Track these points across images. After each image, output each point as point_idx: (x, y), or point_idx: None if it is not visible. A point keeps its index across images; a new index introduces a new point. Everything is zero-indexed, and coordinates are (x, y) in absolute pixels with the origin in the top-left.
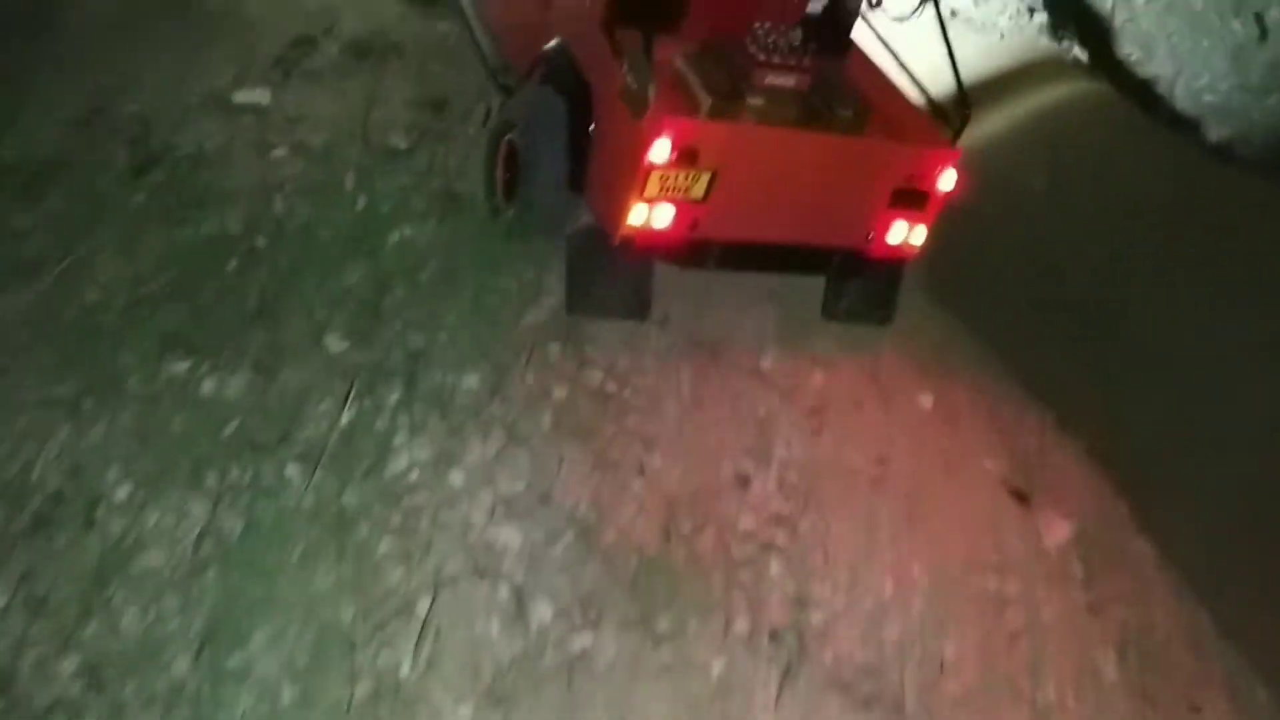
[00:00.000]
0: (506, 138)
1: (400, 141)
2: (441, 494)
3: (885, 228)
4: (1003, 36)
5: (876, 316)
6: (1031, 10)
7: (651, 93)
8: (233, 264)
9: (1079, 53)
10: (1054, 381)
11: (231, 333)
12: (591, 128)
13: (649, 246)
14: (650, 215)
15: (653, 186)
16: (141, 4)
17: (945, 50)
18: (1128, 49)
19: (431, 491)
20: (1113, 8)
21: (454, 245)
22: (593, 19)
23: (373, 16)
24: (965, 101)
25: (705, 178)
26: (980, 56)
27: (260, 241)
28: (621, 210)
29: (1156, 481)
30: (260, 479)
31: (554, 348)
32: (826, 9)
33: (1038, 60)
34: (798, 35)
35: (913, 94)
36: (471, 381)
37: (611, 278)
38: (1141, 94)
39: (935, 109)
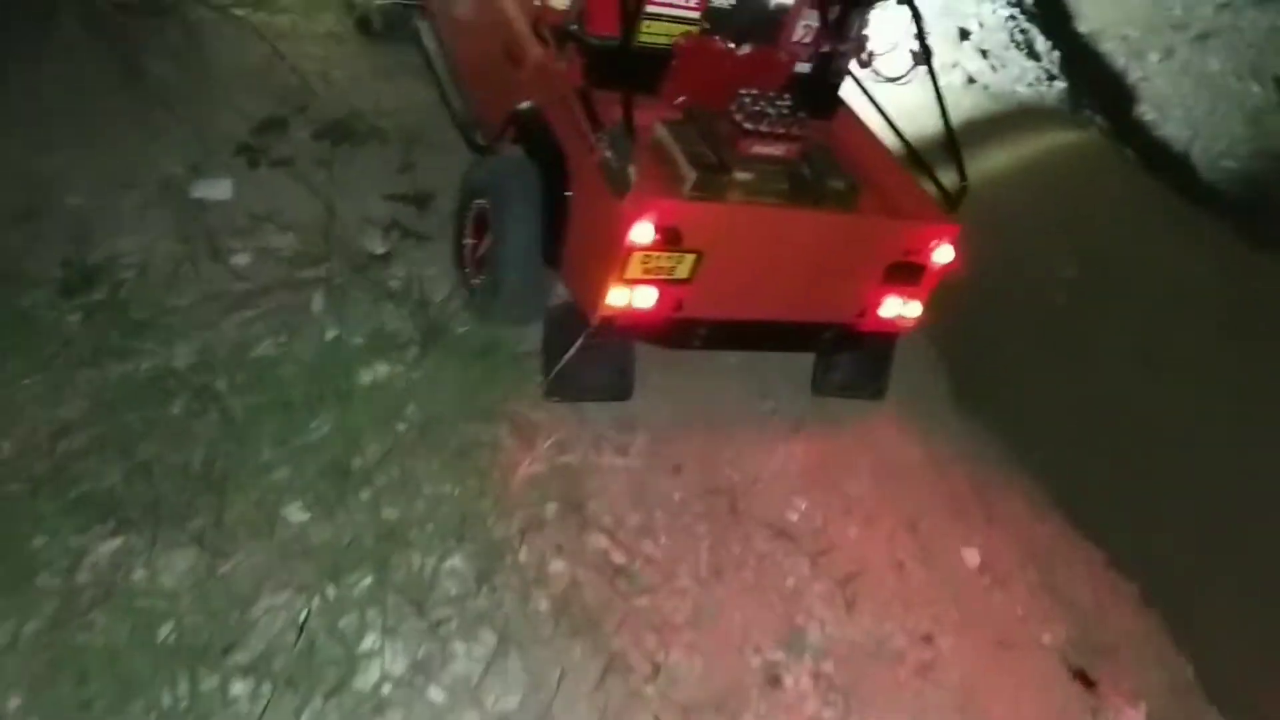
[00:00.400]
0: (476, 202)
1: (377, 244)
2: (419, 716)
3: (878, 302)
4: (1022, 105)
5: (868, 391)
6: (1051, 77)
7: (633, 171)
8: (177, 409)
9: (1100, 121)
10: (1097, 509)
11: (172, 501)
12: (567, 197)
13: (630, 328)
14: (631, 297)
15: (634, 268)
16: (91, 78)
17: (942, 117)
18: (1142, 109)
19: (407, 711)
20: (1125, 66)
21: (436, 385)
22: (567, 82)
23: (351, 93)
24: (962, 172)
25: (690, 259)
26: (1002, 126)
27: (211, 381)
28: (600, 292)
29: (1216, 635)
30: (199, 701)
31: (551, 509)
32: (815, 68)
33: (1061, 132)
34: (786, 103)
35: (907, 143)
36: (455, 564)
37: (591, 357)
38: (1160, 159)
39: (931, 178)
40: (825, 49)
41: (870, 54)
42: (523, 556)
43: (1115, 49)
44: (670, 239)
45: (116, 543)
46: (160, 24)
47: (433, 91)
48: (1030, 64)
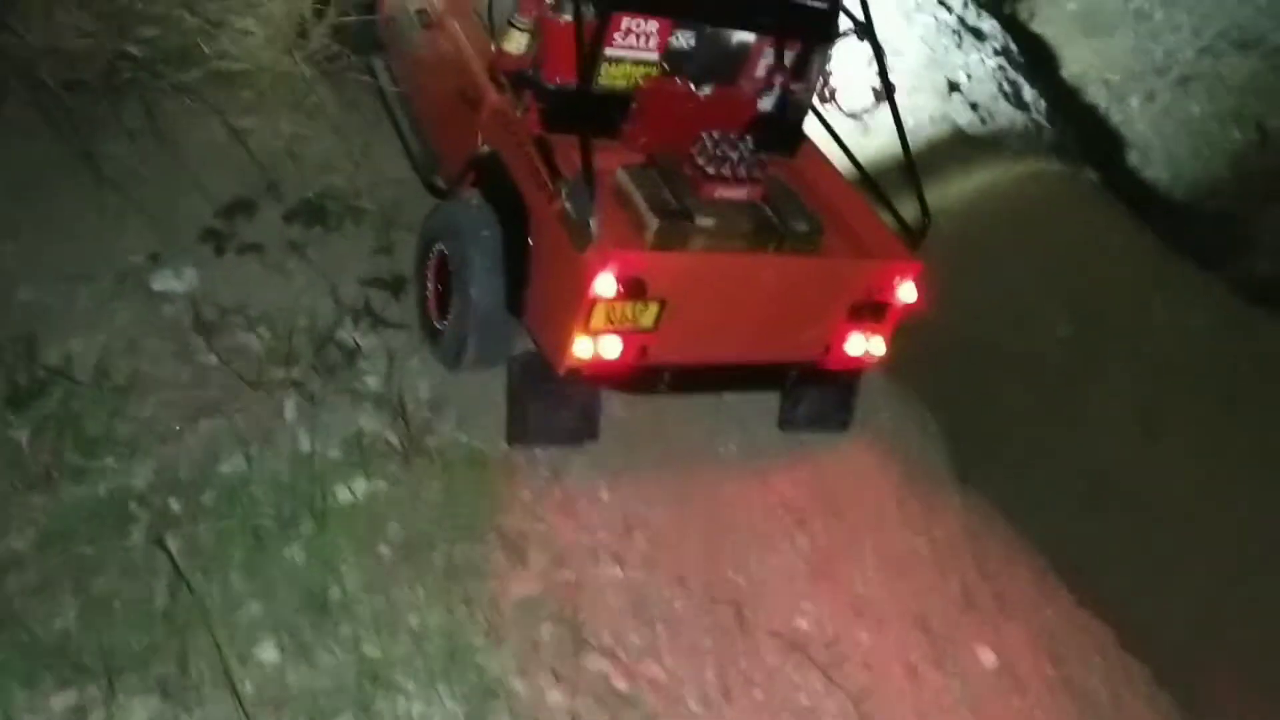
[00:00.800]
0: (437, 247)
1: (352, 335)
2: None
3: (843, 340)
4: (1012, 156)
5: (834, 424)
6: (1040, 127)
7: (595, 224)
8: (136, 537)
9: (1090, 172)
10: (1105, 584)
11: (131, 644)
12: (529, 245)
13: (596, 377)
14: (597, 347)
15: (598, 319)
16: (42, 161)
17: (904, 153)
18: (1126, 153)
19: None
20: (1108, 110)
21: (419, 500)
22: (525, 130)
23: (323, 171)
24: (925, 210)
25: (654, 308)
26: (993, 179)
27: (174, 504)
28: (565, 343)
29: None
30: None
31: (547, 631)
32: (777, 106)
33: (1052, 184)
34: (747, 144)
35: (870, 181)
36: (445, 706)
37: (556, 404)
38: (1146, 204)
39: (893, 215)
40: (788, 88)
41: (832, 90)
42: (518, 689)
43: (1097, 93)
44: (633, 290)
45: (70, 696)
46: (116, 102)
47: (406, 166)
48: (1019, 114)
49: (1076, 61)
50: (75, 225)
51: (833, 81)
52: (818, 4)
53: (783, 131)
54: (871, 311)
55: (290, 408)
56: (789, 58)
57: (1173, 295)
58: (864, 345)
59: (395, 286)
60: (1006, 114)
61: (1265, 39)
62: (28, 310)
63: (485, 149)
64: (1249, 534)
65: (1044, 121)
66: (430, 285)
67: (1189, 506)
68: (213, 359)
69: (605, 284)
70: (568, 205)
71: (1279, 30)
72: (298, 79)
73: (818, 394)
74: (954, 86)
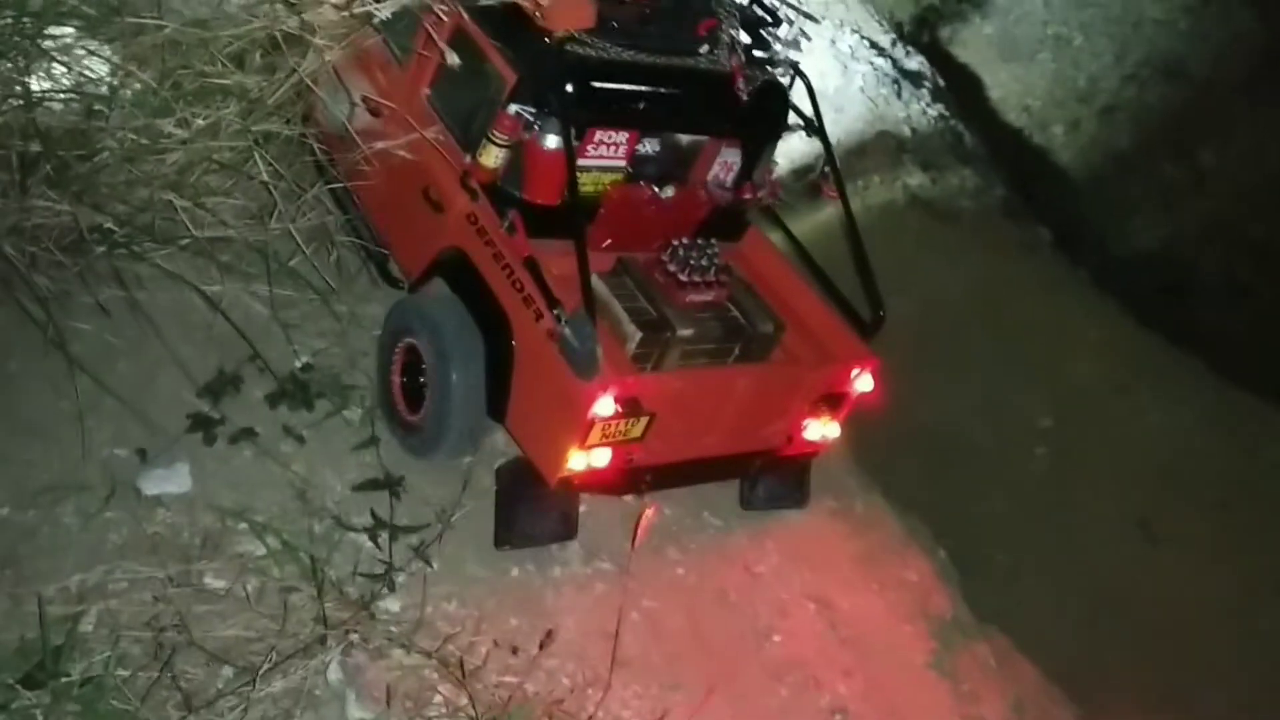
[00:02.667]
0: (405, 340)
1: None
2: None
3: (802, 428)
4: (968, 222)
5: (793, 501)
6: (989, 185)
7: (600, 356)
8: None
9: (1044, 231)
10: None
11: None
12: (512, 353)
13: (585, 484)
14: (589, 459)
15: (594, 437)
16: (6, 339)
17: (854, 249)
18: (1049, 187)
19: None
20: (1029, 136)
21: None
22: (514, 251)
23: (307, 334)
24: (879, 303)
25: (644, 420)
26: (950, 249)
27: None
28: (559, 457)
29: None
30: None
31: None
32: (728, 200)
33: (1011, 254)
34: (714, 249)
35: (826, 279)
36: None
37: (541, 509)
38: (1074, 243)
39: (846, 312)
40: (745, 194)
41: (779, 184)
42: None
43: (1018, 120)
44: (630, 410)
45: None
46: (86, 274)
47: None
48: (966, 170)
49: (997, 88)
50: (47, 419)
51: (775, 173)
52: (772, 106)
53: (731, 221)
54: (829, 402)
55: (335, 668)
56: (739, 155)
57: (1150, 382)
58: (821, 431)
59: (391, 485)
60: (954, 171)
61: (1186, 67)
62: (6, 534)
63: (452, 251)
64: (1265, 655)
65: (990, 173)
66: (396, 379)
67: (1195, 621)
68: (221, 581)
69: (605, 406)
70: (567, 333)
71: (1202, 59)
72: (279, 241)
73: (776, 476)
74: (902, 146)
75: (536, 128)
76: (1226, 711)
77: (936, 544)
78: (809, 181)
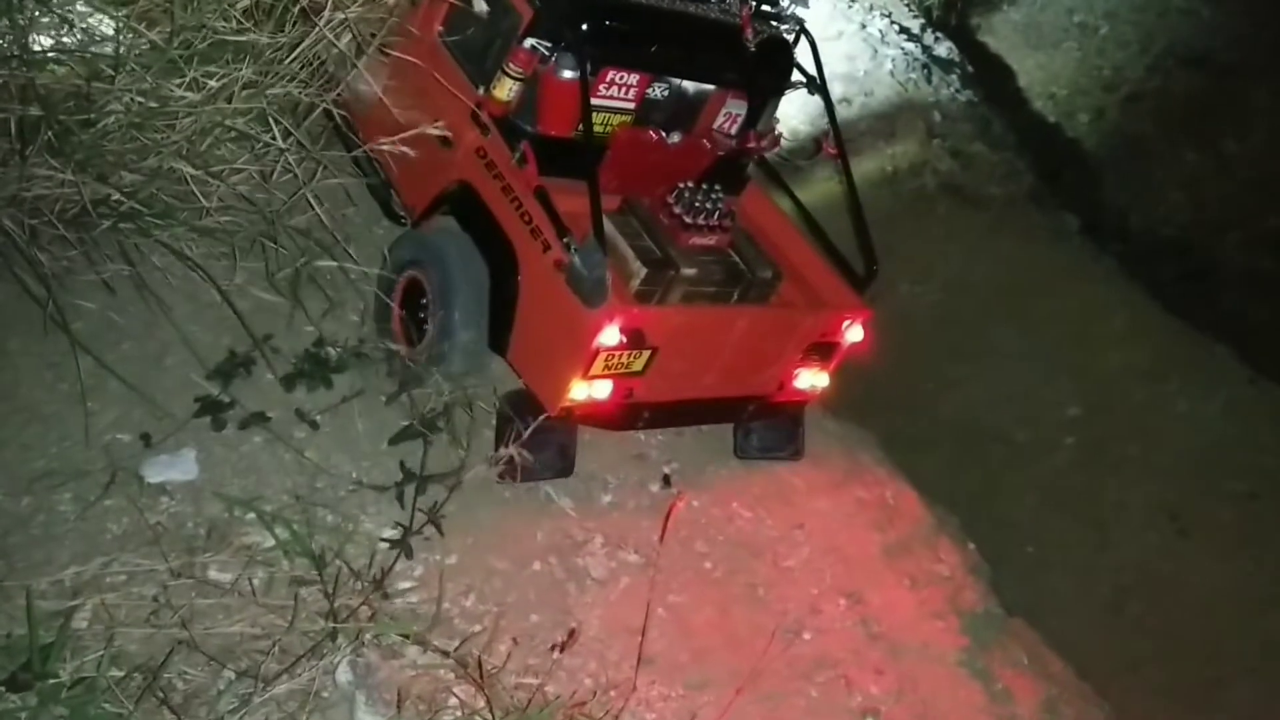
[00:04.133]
0: (409, 272)
1: (382, 528)
2: None
3: (794, 376)
4: (997, 210)
5: (788, 453)
6: (1018, 171)
7: (609, 284)
8: None
9: (1071, 219)
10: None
11: None
12: (517, 285)
13: (585, 416)
14: (590, 390)
15: (597, 367)
16: (6, 317)
17: (852, 204)
18: (1075, 173)
19: None
20: (1055, 123)
21: None
22: (524, 182)
23: (323, 312)
24: (873, 257)
25: (646, 354)
26: (979, 238)
27: None
28: (562, 387)
29: None
30: None
31: None
32: (732, 151)
33: (1039, 241)
34: (719, 195)
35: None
36: None
37: (541, 443)
38: (1096, 229)
39: (841, 265)
40: (748, 144)
41: (779, 136)
42: None
43: (1044, 108)
44: (634, 341)
45: None
46: (91, 251)
47: None
48: (996, 156)
49: (1023, 75)
50: (46, 401)
51: (778, 129)
52: (777, 60)
53: (732, 173)
54: (820, 351)
55: (344, 669)
56: (744, 107)
57: (1180, 371)
58: (811, 380)
59: (427, 429)
60: (984, 156)
61: (1212, 57)
62: None
63: (459, 185)
64: None
65: (1018, 160)
66: (397, 309)
67: (1226, 615)
68: (226, 574)
69: (610, 336)
70: (579, 263)
71: (1225, 48)
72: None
73: (767, 426)
74: (931, 130)
75: (553, 60)
76: (1256, 705)
77: (965, 536)
78: (813, 140)
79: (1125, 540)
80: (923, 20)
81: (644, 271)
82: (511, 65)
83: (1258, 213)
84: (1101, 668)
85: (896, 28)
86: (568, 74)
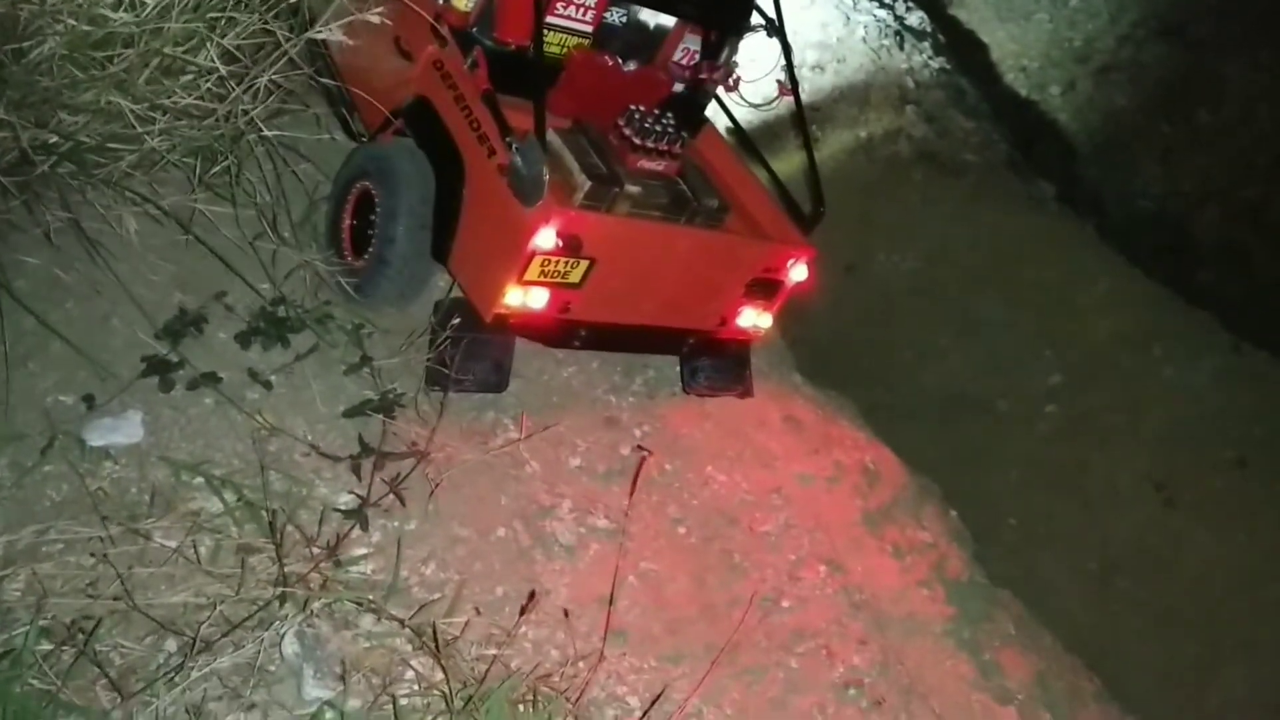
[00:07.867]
0: (359, 184)
1: (338, 493)
2: None
3: (736, 313)
4: (972, 179)
5: (736, 391)
6: (993, 140)
7: (546, 181)
8: None
9: (1047, 187)
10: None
11: None
12: (462, 194)
13: (520, 326)
14: (526, 298)
15: (533, 271)
16: None
17: (804, 145)
18: (1049, 146)
19: None
20: (1027, 96)
21: None
22: (473, 86)
23: (279, 263)
24: (820, 199)
25: (584, 265)
26: (957, 206)
27: None
28: (497, 291)
29: None
30: None
31: None
32: (688, 86)
33: (1017, 210)
34: (670, 122)
35: (771, 172)
36: None
37: (474, 352)
38: (1071, 201)
39: (788, 204)
40: (700, 72)
41: (737, 79)
42: None
43: (1016, 81)
44: (570, 247)
45: None
46: (31, 201)
47: None
48: (970, 123)
49: (995, 47)
50: None
51: (738, 72)
52: None
53: (689, 112)
54: (764, 289)
55: (291, 641)
56: (702, 44)
57: (1162, 336)
58: (754, 319)
59: (385, 408)
60: (958, 124)
61: (1184, 29)
62: None
63: (416, 99)
64: None
65: (992, 129)
66: (347, 220)
67: (1214, 587)
68: (170, 540)
69: (546, 238)
70: (518, 161)
71: (1197, 19)
72: (244, 154)
73: (714, 363)
74: (904, 97)
75: None
76: (1250, 678)
77: (947, 504)
78: (776, 84)
79: (1111, 510)
80: None
81: (588, 185)
82: None
83: (1233, 185)
84: (1089, 640)
85: None
86: None
